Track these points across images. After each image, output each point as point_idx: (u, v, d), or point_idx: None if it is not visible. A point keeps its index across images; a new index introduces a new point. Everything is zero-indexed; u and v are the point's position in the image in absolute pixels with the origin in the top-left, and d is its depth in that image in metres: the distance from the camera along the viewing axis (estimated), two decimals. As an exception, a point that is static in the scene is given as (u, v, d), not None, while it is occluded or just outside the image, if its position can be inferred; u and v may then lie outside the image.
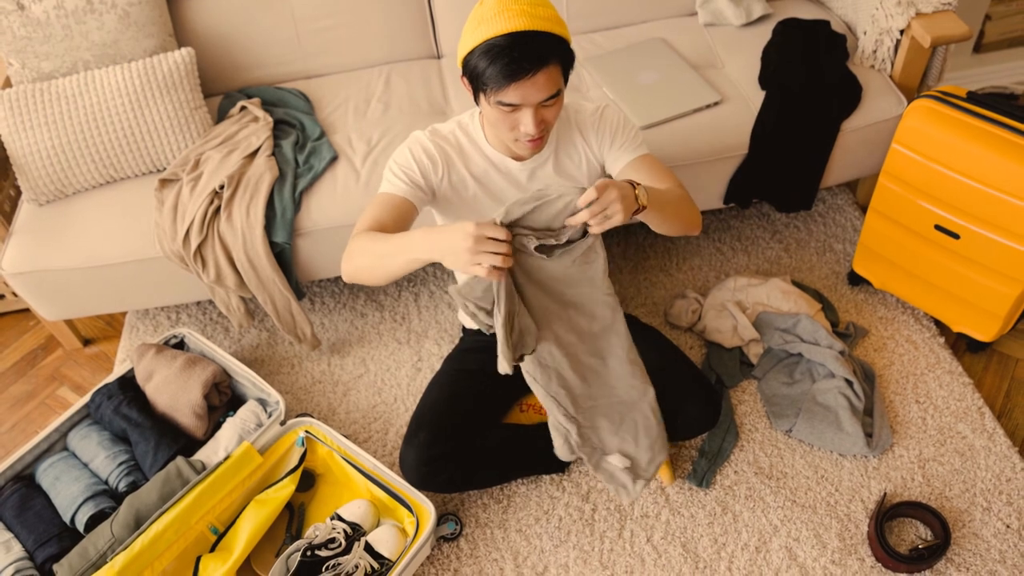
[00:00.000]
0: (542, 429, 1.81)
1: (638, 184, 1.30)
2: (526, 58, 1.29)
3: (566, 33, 1.35)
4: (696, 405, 1.65)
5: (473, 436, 1.70)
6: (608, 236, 2.32)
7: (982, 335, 1.88)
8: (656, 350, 1.74)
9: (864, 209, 2.30)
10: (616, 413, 1.52)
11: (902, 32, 1.93)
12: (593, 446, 1.53)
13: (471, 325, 1.86)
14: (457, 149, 1.53)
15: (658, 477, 1.80)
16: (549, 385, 1.44)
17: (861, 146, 1.97)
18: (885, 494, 1.69)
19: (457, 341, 2.01)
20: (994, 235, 1.69)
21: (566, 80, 1.38)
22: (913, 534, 1.69)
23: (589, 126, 1.55)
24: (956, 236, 1.76)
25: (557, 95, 1.36)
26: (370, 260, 1.35)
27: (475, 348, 1.80)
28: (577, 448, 1.51)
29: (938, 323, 2.03)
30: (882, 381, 1.92)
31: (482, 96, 1.36)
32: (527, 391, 1.86)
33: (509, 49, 1.29)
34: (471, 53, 1.33)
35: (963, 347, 1.99)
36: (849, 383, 1.85)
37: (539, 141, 1.43)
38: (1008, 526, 1.67)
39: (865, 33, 2.02)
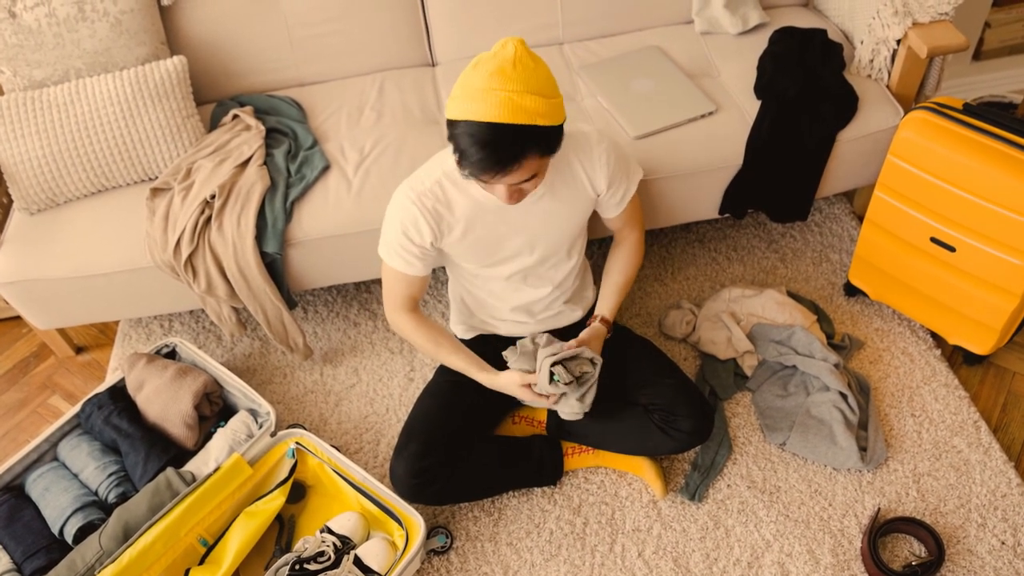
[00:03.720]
0: (534, 441, 1.80)
1: (610, 325, 1.70)
2: (503, 155, 1.30)
3: (552, 118, 1.32)
4: (689, 419, 1.64)
5: (464, 448, 1.69)
6: (602, 245, 2.31)
7: (978, 348, 1.87)
8: (649, 362, 1.74)
9: (861, 219, 2.29)
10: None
11: (899, 42, 1.91)
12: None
13: (464, 336, 1.85)
14: (445, 204, 1.53)
15: (650, 490, 1.79)
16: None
17: (857, 156, 1.96)
18: (879, 509, 1.68)
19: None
20: (990, 248, 1.68)
21: (554, 152, 1.39)
22: (907, 550, 1.67)
23: (595, 161, 1.57)
24: (952, 249, 1.75)
25: (535, 176, 1.39)
26: (428, 353, 1.67)
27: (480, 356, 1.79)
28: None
29: (934, 335, 2.01)
30: (877, 394, 1.91)
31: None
32: (519, 403, 1.86)
33: (487, 144, 1.30)
34: (454, 124, 1.33)
35: (959, 360, 1.98)
36: (844, 396, 1.84)
37: (517, 199, 1.44)
38: (1003, 543, 1.66)
39: (862, 43, 2.00)
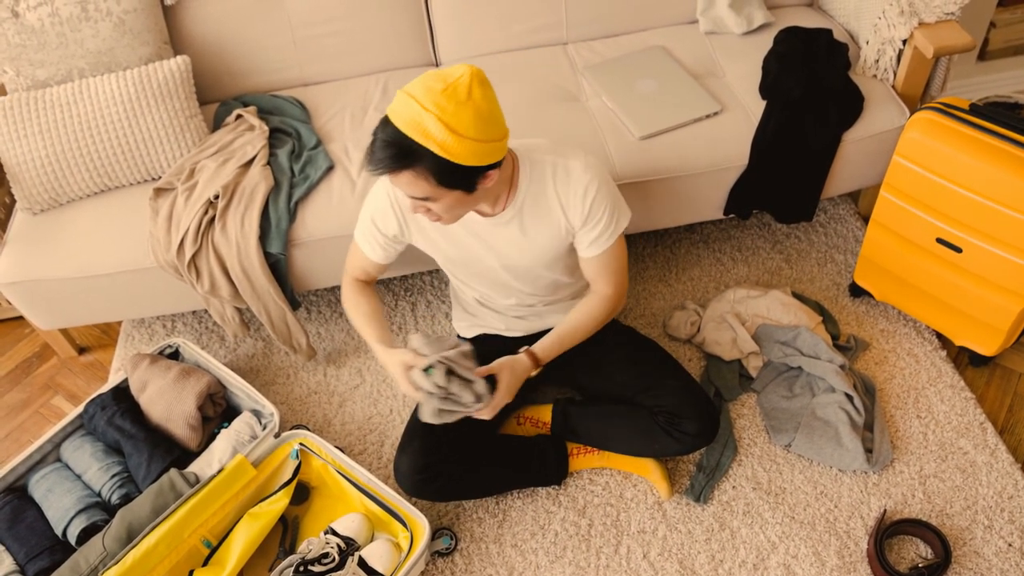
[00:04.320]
0: (540, 441, 1.80)
1: (540, 363, 1.59)
2: (382, 157, 1.29)
3: (454, 155, 1.27)
4: (694, 421, 1.64)
5: (467, 445, 1.69)
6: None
7: (985, 349, 1.86)
8: (654, 364, 1.73)
9: (866, 220, 2.28)
10: None
11: (904, 42, 1.91)
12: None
13: (467, 333, 1.85)
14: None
15: (656, 491, 1.78)
16: None
17: (863, 157, 1.95)
18: (885, 511, 1.67)
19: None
20: (997, 249, 1.67)
21: (452, 187, 1.33)
22: (913, 552, 1.67)
23: (575, 205, 1.50)
24: (958, 250, 1.74)
25: (430, 199, 1.35)
26: (351, 319, 1.70)
27: (479, 356, 1.78)
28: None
29: (940, 336, 2.01)
30: (883, 395, 1.90)
31: None
32: (524, 403, 1.85)
33: (376, 139, 1.31)
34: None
35: (965, 361, 1.97)
36: (849, 397, 1.83)
37: (427, 216, 1.42)
38: (1010, 544, 1.65)
39: (867, 42, 2.00)
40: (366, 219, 1.61)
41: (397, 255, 1.67)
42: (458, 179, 1.32)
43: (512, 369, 1.56)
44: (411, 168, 1.30)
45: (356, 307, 1.68)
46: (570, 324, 1.64)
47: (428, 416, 1.49)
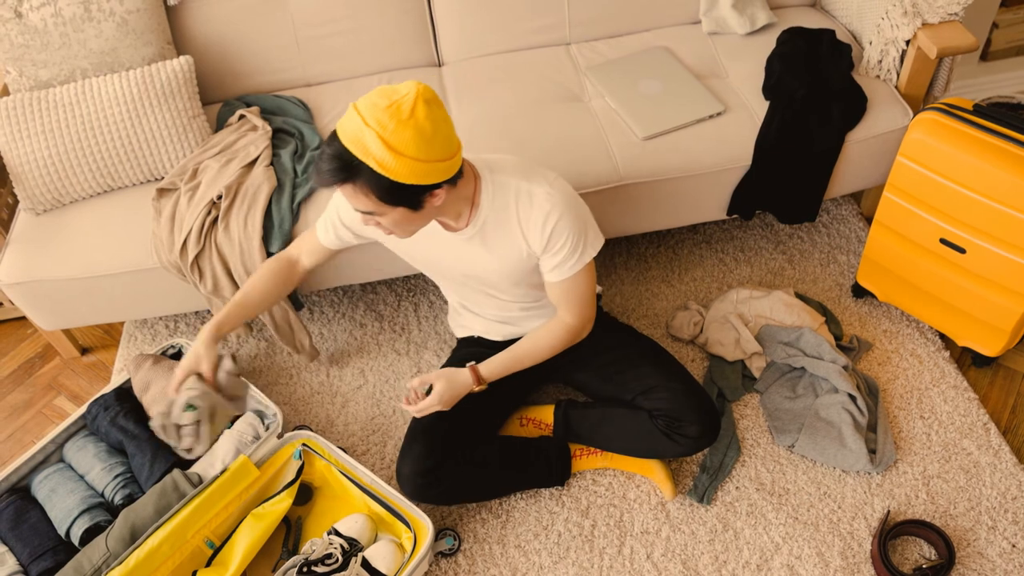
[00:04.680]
0: (542, 442, 1.79)
1: (483, 382, 1.61)
2: (325, 169, 1.30)
3: (394, 172, 1.27)
4: (695, 425, 1.63)
5: (469, 448, 1.69)
6: (610, 246, 2.30)
7: (988, 350, 1.86)
8: (653, 366, 1.71)
9: (869, 220, 2.28)
10: None
11: (908, 42, 1.91)
12: None
13: (458, 334, 1.85)
14: None
15: (659, 491, 1.78)
16: None
17: (866, 157, 1.95)
18: (888, 512, 1.67)
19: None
20: (1001, 250, 1.67)
21: (392, 204, 1.33)
22: (917, 553, 1.66)
23: (534, 231, 1.47)
24: (962, 250, 1.74)
25: (375, 214, 1.35)
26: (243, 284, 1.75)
27: (471, 358, 1.79)
28: None
29: (943, 337, 2.01)
30: (886, 396, 1.90)
31: None
32: (525, 403, 1.85)
33: (322, 150, 1.31)
34: None
35: (968, 361, 1.97)
36: (852, 398, 1.83)
37: (378, 228, 1.41)
38: (1014, 545, 1.65)
39: (870, 43, 2.00)
40: (332, 208, 1.62)
41: (344, 247, 1.68)
42: (400, 197, 1.31)
43: (449, 380, 1.59)
44: (351, 182, 1.30)
45: (252, 281, 1.69)
46: (524, 347, 1.62)
47: (155, 421, 1.68)
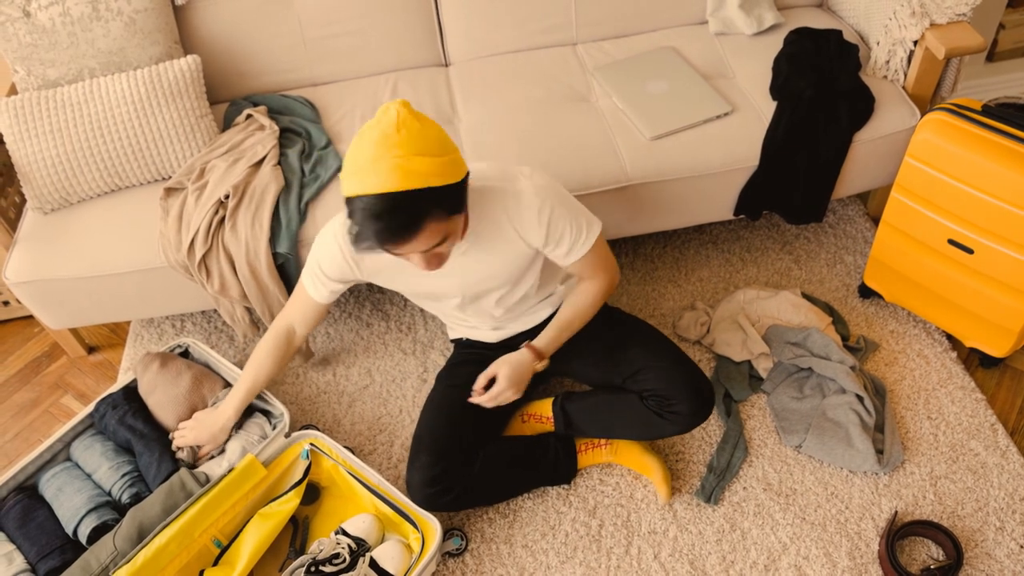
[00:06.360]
0: (547, 439, 1.79)
1: (543, 356, 1.61)
2: (400, 225, 1.23)
3: (446, 176, 1.25)
4: (685, 402, 1.62)
5: (474, 451, 1.69)
6: (616, 246, 2.30)
7: (995, 350, 1.86)
8: (639, 347, 1.70)
9: (876, 220, 2.28)
10: None
11: (915, 43, 1.91)
12: None
13: (451, 335, 1.85)
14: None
15: (658, 493, 1.78)
16: None
17: (873, 158, 1.95)
18: (896, 512, 1.67)
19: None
20: (1009, 251, 1.67)
21: (460, 212, 1.31)
22: (925, 554, 1.66)
23: (531, 228, 1.47)
24: (970, 251, 1.74)
25: (447, 237, 1.32)
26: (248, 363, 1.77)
27: (466, 361, 1.79)
28: None
29: (950, 338, 2.00)
30: (893, 396, 1.90)
31: None
32: (526, 400, 1.84)
33: (382, 215, 1.22)
34: (350, 201, 1.26)
35: (975, 362, 1.97)
36: (860, 398, 1.83)
37: (438, 264, 1.37)
38: (1021, 546, 1.65)
39: (878, 43, 1.99)
40: (312, 264, 1.60)
41: (336, 298, 1.68)
42: (455, 201, 1.29)
43: (509, 363, 1.59)
44: (428, 216, 1.25)
45: (256, 365, 1.73)
46: (567, 313, 1.64)
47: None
